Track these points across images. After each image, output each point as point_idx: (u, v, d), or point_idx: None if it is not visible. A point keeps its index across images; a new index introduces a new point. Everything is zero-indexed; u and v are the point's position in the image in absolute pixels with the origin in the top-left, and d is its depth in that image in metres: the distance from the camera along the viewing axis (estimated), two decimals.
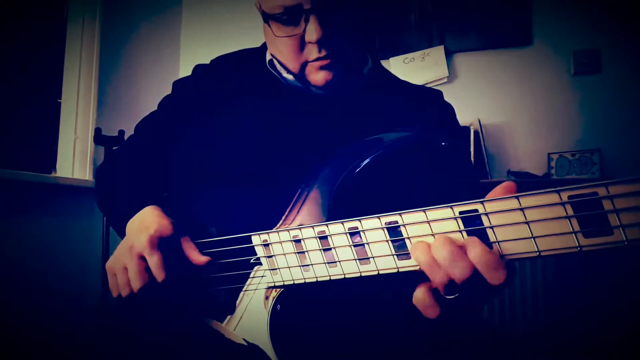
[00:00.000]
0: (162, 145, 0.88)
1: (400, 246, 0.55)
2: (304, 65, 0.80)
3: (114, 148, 2.06)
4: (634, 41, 2.23)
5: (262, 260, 0.67)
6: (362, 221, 0.57)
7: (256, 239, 0.67)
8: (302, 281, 0.63)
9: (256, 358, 0.67)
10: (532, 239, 0.48)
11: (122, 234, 0.75)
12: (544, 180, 2.20)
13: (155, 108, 0.94)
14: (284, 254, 0.64)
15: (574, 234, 0.46)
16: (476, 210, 0.50)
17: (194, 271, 0.69)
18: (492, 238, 0.50)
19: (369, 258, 0.57)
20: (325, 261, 0.60)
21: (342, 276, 0.59)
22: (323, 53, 0.77)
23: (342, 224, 0.58)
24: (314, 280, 0.62)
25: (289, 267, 0.64)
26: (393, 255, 0.56)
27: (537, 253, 0.48)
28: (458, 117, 0.93)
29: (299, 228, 0.62)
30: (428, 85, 1.50)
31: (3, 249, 1.79)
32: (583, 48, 2.29)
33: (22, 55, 2.12)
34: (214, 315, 0.73)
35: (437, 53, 2.48)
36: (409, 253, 0.54)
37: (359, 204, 0.64)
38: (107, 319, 1.90)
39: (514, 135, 2.38)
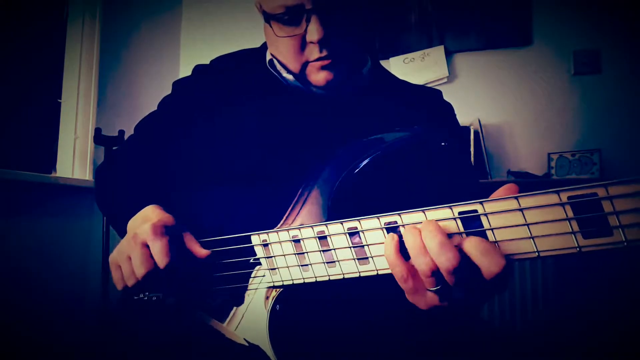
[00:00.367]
0: (162, 145, 0.88)
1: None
2: (304, 65, 0.80)
3: (114, 148, 2.06)
4: (634, 41, 2.23)
5: (262, 260, 0.67)
6: (362, 221, 0.57)
7: (255, 239, 0.67)
8: (301, 281, 0.63)
9: (257, 358, 0.67)
10: (532, 239, 0.48)
11: (123, 234, 0.75)
12: (543, 180, 2.20)
13: (155, 108, 0.94)
14: (284, 255, 0.64)
15: (573, 235, 0.46)
16: (475, 211, 0.50)
17: (196, 265, 0.69)
18: (491, 238, 0.50)
19: (367, 258, 0.57)
20: (325, 261, 0.60)
21: (341, 276, 0.59)
22: (324, 53, 0.77)
23: (342, 224, 0.58)
24: (313, 280, 0.62)
25: (288, 267, 0.64)
26: None
27: (537, 253, 0.48)
28: (458, 117, 0.93)
29: (298, 228, 0.62)
30: (428, 85, 1.50)
31: (3, 249, 1.79)
32: (583, 48, 2.29)
33: (22, 55, 2.12)
34: (214, 315, 0.73)
35: (437, 53, 2.48)
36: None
37: (359, 204, 0.64)
38: (107, 319, 1.90)
39: (514, 135, 2.38)
